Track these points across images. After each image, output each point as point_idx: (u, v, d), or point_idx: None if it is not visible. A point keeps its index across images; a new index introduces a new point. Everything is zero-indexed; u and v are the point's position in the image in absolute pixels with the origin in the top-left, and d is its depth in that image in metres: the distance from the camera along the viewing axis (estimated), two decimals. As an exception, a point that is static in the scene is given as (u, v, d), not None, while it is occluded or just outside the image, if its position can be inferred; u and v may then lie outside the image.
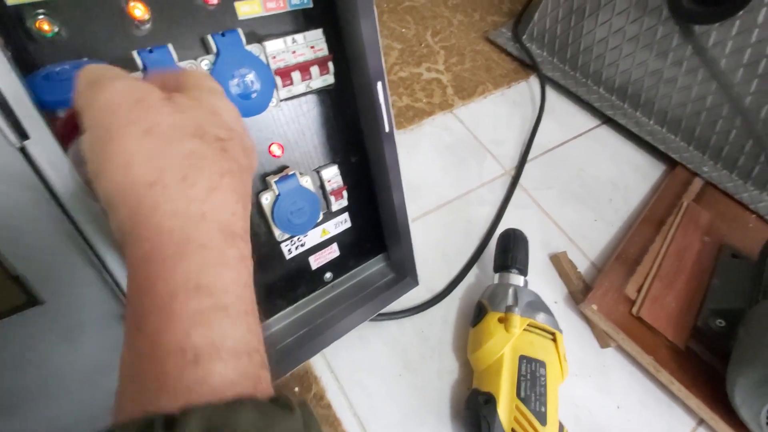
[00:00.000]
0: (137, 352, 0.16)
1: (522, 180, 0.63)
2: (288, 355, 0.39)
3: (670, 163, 0.68)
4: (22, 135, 0.22)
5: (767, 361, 0.37)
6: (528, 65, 0.78)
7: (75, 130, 0.21)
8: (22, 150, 0.22)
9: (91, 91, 0.18)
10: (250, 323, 0.17)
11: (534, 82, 0.77)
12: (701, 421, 0.45)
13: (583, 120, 0.73)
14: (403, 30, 0.78)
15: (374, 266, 0.46)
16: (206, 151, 0.18)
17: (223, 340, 0.15)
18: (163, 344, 0.15)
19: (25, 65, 0.24)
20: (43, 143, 0.22)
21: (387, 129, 0.36)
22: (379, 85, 0.34)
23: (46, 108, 0.23)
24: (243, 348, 0.16)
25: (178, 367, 0.14)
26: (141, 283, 0.16)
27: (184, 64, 0.29)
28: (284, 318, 0.41)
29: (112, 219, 0.18)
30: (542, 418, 0.37)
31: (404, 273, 0.45)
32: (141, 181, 0.16)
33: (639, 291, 0.50)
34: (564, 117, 0.73)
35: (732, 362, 0.41)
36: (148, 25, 0.28)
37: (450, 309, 0.49)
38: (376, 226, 0.45)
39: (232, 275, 0.17)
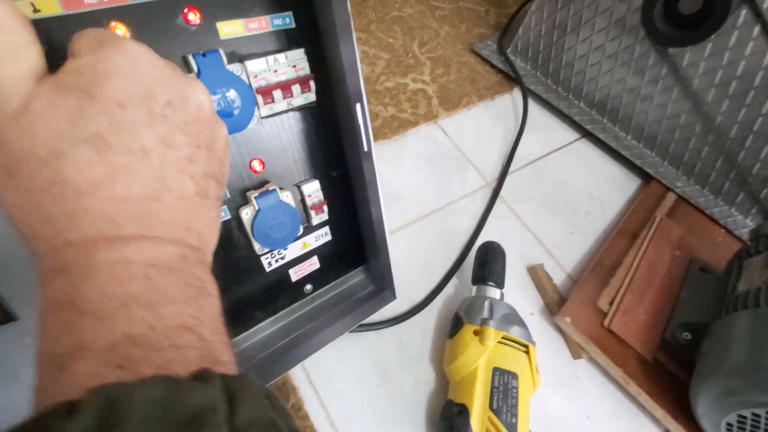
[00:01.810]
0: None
1: (503, 192, 0.64)
2: (267, 366, 0.40)
3: (646, 177, 0.70)
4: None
5: (727, 374, 0.39)
6: (512, 78, 0.80)
7: None
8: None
9: (93, 49, 0.18)
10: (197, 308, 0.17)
11: (517, 94, 0.79)
12: (667, 431, 0.46)
13: (564, 133, 0.75)
14: (391, 40, 0.79)
15: (354, 278, 0.47)
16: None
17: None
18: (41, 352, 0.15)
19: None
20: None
21: (366, 148, 0.37)
22: (358, 106, 0.35)
23: None
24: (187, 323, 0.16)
25: (48, 377, 0.15)
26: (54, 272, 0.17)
27: (165, 83, 0.29)
28: (264, 329, 0.42)
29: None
30: (513, 430, 0.38)
31: (383, 286, 0.46)
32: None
33: (611, 303, 0.52)
34: (545, 130, 0.75)
35: (695, 375, 0.43)
36: (129, 45, 0.28)
37: (429, 319, 0.50)
38: (357, 238, 0.45)
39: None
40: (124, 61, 0.18)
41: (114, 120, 0.17)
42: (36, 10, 0.25)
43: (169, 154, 0.19)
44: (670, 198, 0.67)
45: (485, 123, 0.73)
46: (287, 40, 0.34)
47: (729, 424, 0.40)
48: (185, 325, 0.17)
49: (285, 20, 0.34)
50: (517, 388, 0.40)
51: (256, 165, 0.36)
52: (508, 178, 0.66)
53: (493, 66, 0.81)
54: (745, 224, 0.64)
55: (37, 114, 0.17)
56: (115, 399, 0.12)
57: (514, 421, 0.39)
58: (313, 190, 0.39)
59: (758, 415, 0.37)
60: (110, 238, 0.17)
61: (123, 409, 0.12)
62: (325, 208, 0.41)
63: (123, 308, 0.16)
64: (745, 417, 0.38)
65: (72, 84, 0.17)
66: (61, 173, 0.16)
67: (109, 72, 0.18)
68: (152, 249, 0.18)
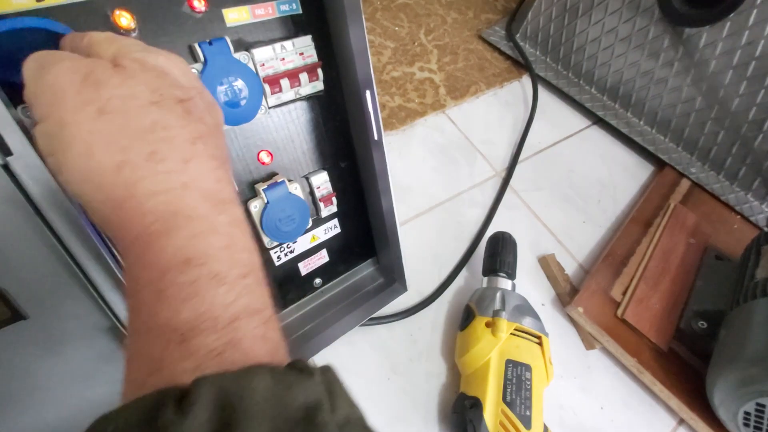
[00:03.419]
0: (136, 335, 0.15)
1: (512, 181, 0.63)
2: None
3: (659, 163, 0.69)
4: (5, 151, 0.22)
5: (746, 363, 0.39)
6: (520, 64, 0.78)
7: None
8: (5, 167, 0.22)
9: (35, 80, 0.17)
10: (250, 285, 0.16)
11: (526, 81, 0.77)
12: (681, 421, 0.46)
13: (575, 120, 0.74)
14: (397, 28, 0.78)
15: (364, 271, 0.46)
16: (169, 118, 0.17)
17: (214, 310, 0.15)
18: (155, 325, 0.15)
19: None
20: (25, 159, 0.22)
21: (376, 137, 0.36)
22: (368, 93, 0.34)
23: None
24: (242, 312, 0.15)
25: (168, 349, 0.14)
26: (133, 269, 0.16)
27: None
28: (274, 322, 0.42)
29: (90, 212, 0.17)
30: (527, 422, 0.38)
31: (393, 278, 0.45)
32: (106, 167, 0.16)
33: (624, 293, 0.51)
34: (555, 117, 0.73)
35: (712, 364, 0.42)
36: (134, 34, 0.28)
37: (439, 312, 0.50)
38: (366, 230, 0.45)
39: (224, 241, 0.16)
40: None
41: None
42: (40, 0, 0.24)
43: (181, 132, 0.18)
44: (684, 184, 0.66)
45: (494, 111, 0.72)
46: (294, 27, 0.33)
47: (747, 413, 0.39)
48: (266, 301, 0.17)
49: (292, 6, 0.33)
50: (530, 380, 0.40)
51: (264, 156, 0.35)
52: (517, 167, 0.65)
53: (501, 52, 0.79)
54: (761, 210, 0.63)
55: None
56: (229, 392, 0.12)
57: (528, 413, 0.38)
58: (321, 181, 0.39)
59: (778, 405, 0.36)
60: (220, 198, 0.17)
61: (236, 405, 0.12)
62: (334, 199, 0.40)
63: (242, 278, 0.16)
64: (763, 405, 0.37)
65: None
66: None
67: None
68: (242, 215, 0.18)
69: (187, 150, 0.17)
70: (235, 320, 0.15)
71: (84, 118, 0.16)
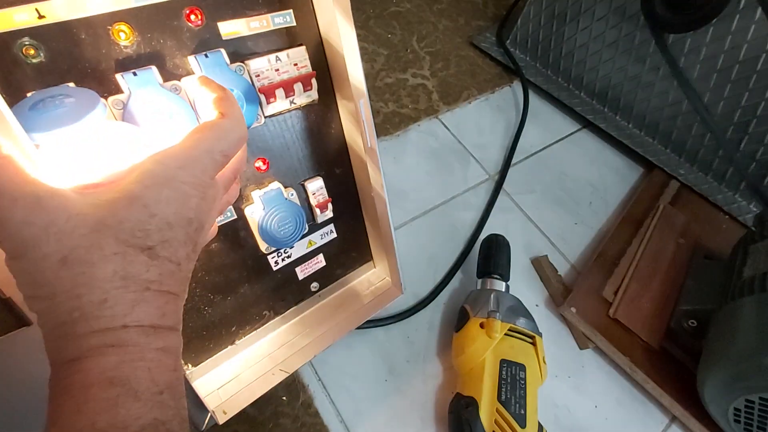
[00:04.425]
0: None
1: (505, 184, 0.64)
2: (276, 365, 0.40)
3: (648, 165, 0.70)
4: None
5: (734, 360, 0.40)
6: (511, 70, 0.79)
7: None
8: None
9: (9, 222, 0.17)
10: (164, 401, 0.18)
11: (517, 86, 0.78)
12: (674, 418, 0.47)
13: (565, 124, 0.75)
14: (389, 36, 0.79)
15: (361, 275, 0.47)
16: (129, 268, 0.18)
17: (126, 421, 0.16)
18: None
19: (11, 91, 0.25)
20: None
21: (369, 144, 0.37)
22: (362, 102, 0.35)
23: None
24: (149, 425, 0.17)
25: None
26: (58, 379, 0.17)
27: (168, 85, 0.30)
28: (271, 329, 0.42)
29: (40, 325, 0.18)
30: (522, 421, 0.38)
31: (389, 281, 0.46)
32: (61, 309, 0.17)
33: (616, 293, 0.52)
34: (546, 121, 0.75)
35: (702, 362, 0.43)
36: (132, 48, 0.28)
37: (435, 314, 0.51)
38: (362, 235, 0.46)
39: (149, 365, 0.18)
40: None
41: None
42: (41, 16, 0.25)
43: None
44: (673, 186, 0.67)
45: (486, 116, 0.73)
46: (288, 39, 0.34)
47: (737, 410, 0.40)
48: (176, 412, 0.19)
49: (286, 18, 0.34)
50: (525, 379, 0.41)
51: (261, 164, 0.36)
52: (510, 171, 0.66)
53: (492, 58, 0.81)
54: (749, 210, 0.64)
55: None
56: None
57: (522, 412, 0.39)
58: (317, 188, 0.39)
59: (766, 400, 0.37)
60: (160, 327, 0.19)
61: None
62: (330, 205, 0.41)
63: (158, 394, 0.18)
64: (752, 402, 0.38)
65: None
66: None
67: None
68: (177, 340, 0.20)
69: (138, 296, 0.18)
70: (142, 430, 0.17)
71: (47, 268, 0.17)
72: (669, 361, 0.48)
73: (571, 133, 0.74)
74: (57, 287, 0.17)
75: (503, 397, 0.39)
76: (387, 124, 0.67)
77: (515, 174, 0.66)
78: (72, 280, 0.17)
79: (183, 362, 0.35)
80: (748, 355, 0.38)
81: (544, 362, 0.43)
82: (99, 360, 0.17)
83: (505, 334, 0.43)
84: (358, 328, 0.45)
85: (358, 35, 0.82)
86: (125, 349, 0.17)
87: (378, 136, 0.65)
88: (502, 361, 0.41)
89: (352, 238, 0.45)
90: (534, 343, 0.43)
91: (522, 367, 0.41)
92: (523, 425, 0.38)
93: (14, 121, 0.19)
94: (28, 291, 0.18)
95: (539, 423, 0.40)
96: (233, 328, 0.39)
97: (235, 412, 0.36)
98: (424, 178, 0.63)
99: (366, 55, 0.74)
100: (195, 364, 0.38)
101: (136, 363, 0.18)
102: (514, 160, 0.67)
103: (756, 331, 0.39)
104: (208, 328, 0.38)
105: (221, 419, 0.36)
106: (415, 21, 0.83)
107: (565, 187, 0.66)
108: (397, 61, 0.76)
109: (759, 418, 0.39)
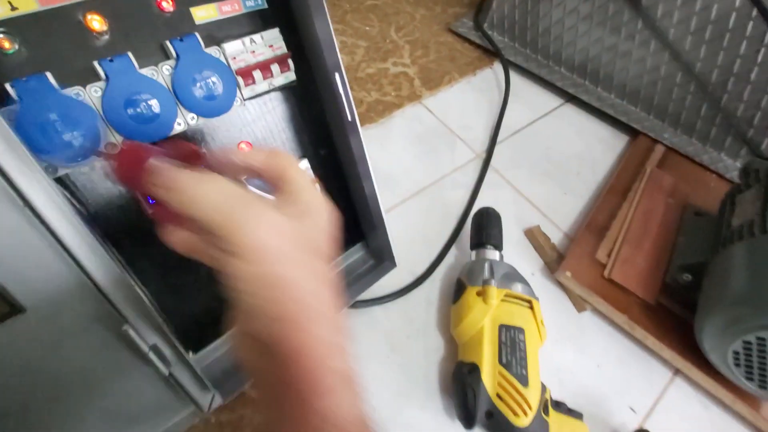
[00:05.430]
0: None
1: (493, 162, 0.65)
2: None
3: (633, 133, 0.71)
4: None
5: (729, 304, 0.40)
6: (491, 52, 0.80)
7: (173, 218, 0.22)
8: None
9: (234, 224, 0.19)
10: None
11: (498, 67, 0.79)
12: (677, 371, 0.47)
13: (548, 100, 0.76)
14: (367, 28, 0.80)
15: (354, 255, 0.48)
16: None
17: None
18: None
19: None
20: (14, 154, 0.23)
21: (350, 118, 0.37)
22: (337, 76, 0.35)
23: None
24: None
25: None
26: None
27: (145, 71, 0.30)
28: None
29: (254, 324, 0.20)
30: (524, 380, 0.39)
31: (382, 258, 0.47)
32: (321, 337, 0.20)
33: (609, 255, 0.52)
34: (529, 98, 0.75)
35: (698, 311, 0.43)
36: (106, 36, 0.29)
37: (432, 290, 0.51)
38: (352, 215, 0.46)
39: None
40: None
41: None
42: (13, 8, 0.26)
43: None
44: (659, 150, 0.68)
45: (469, 98, 0.74)
46: (261, 21, 0.35)
47: (735, 353, 0.40)
48: None
49: (257, 1, 0.34)
50: (524, 341, 0.41)
51: (244, 148, 0.37)
52: (497, 148, 0.67)
53: (471, 42, 0.82)
54: (735, 167, 0.65)
55: None
56: None
57: (524, 372, 0.39)
58: (302, 169, 0.40)
59: (763, 339, 0.38)
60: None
61: None
62: (317, 186, 0.41)
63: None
64: (750, 342, 0.39)
65: None
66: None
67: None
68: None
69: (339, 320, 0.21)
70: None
71: (303, 279, 0.20)
72: (666, 316, 0.48)
73: (555, 108, 0.75)
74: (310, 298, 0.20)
75: (504, 360, 0.40)
76: (371, 112, 0.68)
77: (502, 151, 0.67)
78: (316, 293, 0.21)
79: (186, 348, 0.35)
80: (741, 297, 0.39)
81: (543, 324, 0.43)
82: (342, 396, 0.20)
83: (502, 300, 0.43)
84: (357, 307, 0.45)
85: (336, 30, 0.83)
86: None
87: (363, 124, 0.66)
88: (501, 326, 0.42)
89: (343, 219, 0.45)
90: (531, 307, 0.44)
91: (521, 330, 0.42)
92: (525, 384, 0.38)
93: None
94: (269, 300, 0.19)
95: (542, 383, 0.40)
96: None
97: (237, 394, 0.36)
98: (412, 161, 0.64)
99: (345, 48, 0.75)
100: (198, 348, 0.38)
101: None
102: (499, 138, 0.68)
103: (747, 274, 0.40)
104: (209, 313, 0.38)
105: (224, 400, 0.36)
106: (392, 12, 0.84)
107: (552, 160, 0.67)
108: (376, 52, 0.76)
109: (758, 358, 0.39)
